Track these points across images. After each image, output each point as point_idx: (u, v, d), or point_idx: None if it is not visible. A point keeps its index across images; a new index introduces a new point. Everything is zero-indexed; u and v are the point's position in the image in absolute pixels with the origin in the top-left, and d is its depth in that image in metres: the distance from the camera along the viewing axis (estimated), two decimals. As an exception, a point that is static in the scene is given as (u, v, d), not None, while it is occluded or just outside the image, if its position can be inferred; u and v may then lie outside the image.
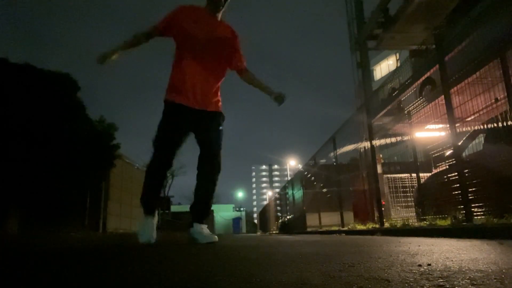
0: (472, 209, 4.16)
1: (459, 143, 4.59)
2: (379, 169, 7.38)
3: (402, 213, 6.85)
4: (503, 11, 4.08)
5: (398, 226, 5.82)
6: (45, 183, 9.07)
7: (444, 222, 4.56)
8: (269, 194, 57.90)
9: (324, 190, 11.24)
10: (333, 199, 10.08)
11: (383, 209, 6.97)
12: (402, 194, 6.99)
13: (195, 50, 2.97)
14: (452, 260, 1.47)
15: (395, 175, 7.24)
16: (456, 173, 4.47)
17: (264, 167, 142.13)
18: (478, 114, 4.39)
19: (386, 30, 10.36)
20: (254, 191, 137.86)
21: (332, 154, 9.90)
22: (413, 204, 6.47)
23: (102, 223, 13.42)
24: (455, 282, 0.98)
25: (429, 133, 5.95)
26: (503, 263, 1.36)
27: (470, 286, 0.94)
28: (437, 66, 4.96)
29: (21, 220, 9.11)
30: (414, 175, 6.45)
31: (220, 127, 3.08)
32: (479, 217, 4.11)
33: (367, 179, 7.95)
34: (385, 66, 29.85)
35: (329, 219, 10.44)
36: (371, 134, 7.45)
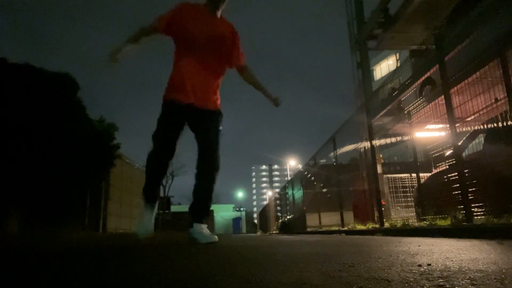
0: (472, 209, 4.16)
1: (459, 143, 4.58)
2: (379, 169, 7.38)
3: (402, 213, 6.85)
4: (503, 11, 4.08)
5: (398, 226, 5.82)
6: (45, 183, 9.07)
7: (444, 222, 4.56)
8: (269, 194, 57.91)
9: (324, 190, 11.24)
10: (333, 199, 10.09)
11: (383, 209, 6.97)
12: (402, 194, 6.99)
13: (194, 48, 2.97)
14: (452, 260, 1.47)
15: (395, 175, 7.24)
16: (456, 173, 4.47)
17: (264, 167, 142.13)
18: (478, 114, 4.39)
19: (386, 30, 10.36)
20: (254, 191, 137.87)
21: (332, 154, 9.90)
22: (413, 204, 6.47)
23: (102, 223, 13.42)
24: (455, 282, 0.98)
25: (429, 133, 5.95)
26: (503, 263, 1.36)
27: (470, 286, 0.94)
28: (437, 66, 4.96)
29: (21, 220, 9.11)
30: (414, 175, 6.45)
31: (220, 126, 3.09)
32: (479, 217, 4.11)
33: (367, 179, 7.95)
34: (385, 66, 29.84)
35: (329, 219, 10.44)
36: (371, 134, 7.45)
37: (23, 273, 1.33)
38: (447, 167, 5.01)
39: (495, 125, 4.12)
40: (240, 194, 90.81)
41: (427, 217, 5.33)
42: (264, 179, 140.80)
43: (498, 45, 3.98)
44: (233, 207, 63.83)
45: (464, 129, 4.69)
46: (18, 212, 9.13)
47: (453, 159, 4.65)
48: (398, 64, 12.93)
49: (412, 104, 6.13)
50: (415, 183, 6.37)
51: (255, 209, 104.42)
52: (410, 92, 6.29)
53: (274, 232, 21.77)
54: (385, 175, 7.40)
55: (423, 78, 5.81)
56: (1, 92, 8.34)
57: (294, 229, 14.56)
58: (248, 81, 3.28)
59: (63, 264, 1.68)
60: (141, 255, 2.11)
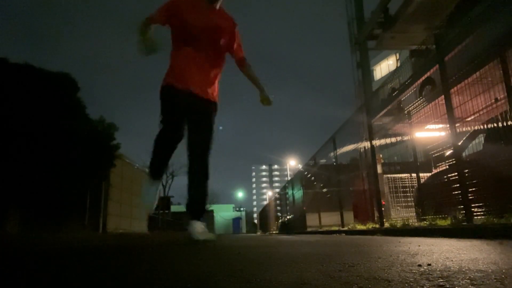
0: (472, 209, 4.16)
1: (459, 143, 4.59)
2: (379, 169, 7.38)
3: (402, 213, 6.85)
4: (503, 11, 4.08)
5: (398, 226, 5.82)
6: (45, 183, 9.06)
7: (444, 222, 4.56)
8: (269, 194, 57.90)
9: (324, 190, 11.24)
10: (333, 199, 10.09)
11: (383, 209, 6.98)
12: (402, 194, 6.99)
13: (192, 38, 2.97)
14: (452, 260, 1.47)
15: (395, 175, 7.24)
16: (456, 173, 4.47)
17: (264, 167, 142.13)
18: (478, 114, 4.39)
19: (386, 30, 10.36)
20: (254, 191, 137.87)
21: (332, 154, 9.90)
22: (413, 204, 6.47)
23: (102, 223, 13.41)
24: (455, 282, 0.98)
25: (429, 133, 5.95)
26: (503, 263, 1.36)
27: (470, 286, 0.94)
28: (437, 66, 4.96)
29: (21, 220, 9.11)
30: (414, 175, 6.46)
31: (214, 120, 3.08)
32: (479, 217, 4.11)
33: (367, 179, 7.95)
34: (385, 66, 29.84)
35: (329, 219, 10.44)
36: (371, 134, 7.46)
37: (23, 273, 1.33)
38: (447, 167, 5.01)
39: (495, 125, 4.12)
40: (240, 194, 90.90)
41: (427, 217, 5.33)
42: (264, 179, 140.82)
43: (498, 45, 3.98)
44: (233, 207, 63.86)
45: (464, 129, 4.69)
46: (18, 212, 9.12)
47: (453, 159, 4.65)
48: (398, 64, 12.93)
49: (412, 104, 6.13)
50: (415, 183, 6.37)
51: (255, 209, 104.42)
52: (410, 92, 6.29)
53: (274, 232, 21.78)
54: (385, 175, 7.40)
55: (423, 78, 5.81)
56: (1, 92, 8.34)
57: (294, 229, 14.56)
58: (246, 75, 3.30)
59: (63, 264, 1.68)
60: (141, 255, 2.12)
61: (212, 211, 44.27)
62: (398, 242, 2.96)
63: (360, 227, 7.63)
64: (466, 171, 4.38)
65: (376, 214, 7.12)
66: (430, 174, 5.92)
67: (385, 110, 7.15)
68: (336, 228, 8.96)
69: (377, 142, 7.43)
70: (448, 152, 4.91)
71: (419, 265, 1.33)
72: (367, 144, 7.66)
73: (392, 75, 7.81)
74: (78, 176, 10.20)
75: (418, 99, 5.97)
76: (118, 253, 2.29)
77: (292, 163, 48.53)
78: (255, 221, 54.66)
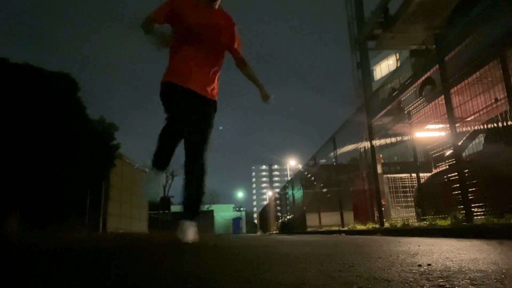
0: (472, 209, 4.16)
1: (459, 143, 4.59)
2: (379, 169, 7.38)
3: (402, 213, 6.85)
4: (503, 11, 4.08)
5: (398, 226, 5.82)
6: (45, 183, 9.06)
7: (444, 222, 4.56)
8: (269, 194, 57.92)
9: (324, 190, 11.24)
10: (333, 199, 10.09)
11: (383, 209, 6.98)
12: (402, 194, 6.99)
13: (191, 37, 2.98)
14: (452, 260, 1.47)
15: (395, 175, 7.24)
16: (456, 173, 4.47)
17: (264, 167, 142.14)
18: (478, 114, 4.39)
19: (386, 30, 10.36)
20: (254, 191, 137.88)
21: (332, 154, 9.90)
22: (413, 204, 6.47)
23: (102, 223, 13.41)
24: (455, 282, 0.98)
25: (429, 133, 5.95)
26: (503, 263, 1.36)
27: (470, 286, 0.94)
28: (437, 66, 4.96)
29: (21, 220, 9.10)
30: (414, 175, 6.46)
31: (212, 119, 3.08)
32: (479, 217, 4.11)
33: (367, 179, 7.95)
34: (385, 66, 29.84)
35: (329, 219, 10.44)
36: (371, 134, 7.46)
37: (23, 273, 1.33)
38: (447, 167, 5.01)
39: (495, 125, 4.12)
40: (240, 194, 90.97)
41: (427, 217, 5.33)
42: (264, 179, 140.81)
43: (498, 45, 3.98)
44: (233, 207, 63.89)
45: (464, 129, 4.69)
46: (18, 212, 9.12)
47: (453, 159, 4.65)
48: (398, 64, 12.94)
49: (412, 104, 6.13)
50: (415, 183, 6.37)
51: (255, 209, 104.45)
52: (410, 92, 6.29)
53: (274, 232, 21.78)
54: (385, 175, 7.40)
55: (423, 78, 5.81)
56: (1, 92, 8.34)
57: (294, 229, 14.56)
58: (245, 74, 3.30)
59: (63, 264, 1.68)
60: (141, 255, 2.12)
61: (212, 211, 44.28)
62: (398, 242, 2.96)
63: (360, 227, 7.63)
64: (466, 171, 4.38)
65: (376, 214, 7.12)
66: (430, 174, 5.92)
67: (385, 110, 7.15)
68: (336, 228, 8.96)
69: (377, 142, 7.43)
70: (448, 152, 4.91)
71: (419, 265, 1.33)
72: (367, 144, 7.66)
73: (392, 75, 7.82)
74: (78, 176, 10.20)
75: (418, 99, 5.97)
76: (118, 253, 2.29)
77: (292, 163, 48.55)
78: (255, 221, 54.67)
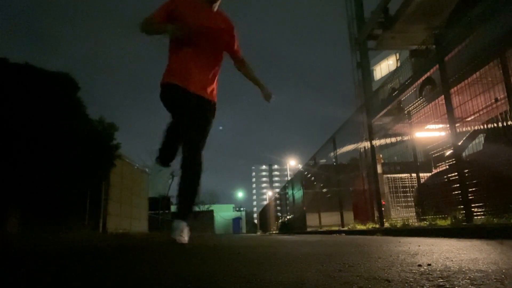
0: (472, 209, 4.16)
1: (459, 143, 4.58)
2: (379, 169, 7.38)
3: (402, 213, 6.85)
4: (503, 11, 4.08)
5: (398, 226, 5.82)
6: (45, 183, 9.06)
7: (444, 222, 4.56)
8: (269, 194, 57.90)
9: (324, 190, 11.24)
10: (333, 199, 10.09)
11: (383, 209, 6.98)
12: (402, 194, 6.99)
13: (191, 39, 2.98)
14: (452, 260, 1.47)
15: (395, 175, 7.24)
16: (456, 173, 4.47)
17: (264, 167, 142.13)
18: (478, 114, 4.39)
19: (386, 30, 10.36)
20: (254, 191, 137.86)
21: (332, 154, 9.90)
22: (413, 204, 6.47)
23: (102, 223, 13.41)
24: (455, 282, 0.98)
25: (429, 133, 5.95)
26: (503, 263, 1.36)
27: (470, 286, 0.94)
28: (437, 66, 4.96)
29: (21, 220, 9.10)
30: (414, 175, 6.46)
31: (212, 119, 3.08)
32: (479, 217, 4.11)
33: (367, 179, 7.95)
34: (385, 66, 29.84)
35: (329, 219, 10.44)
36: (371, 134, 7.45)
37: (23, 273, 1.33)
38: (447, 167, 5.01)
39: (495, 125, 4.12)
40: (240, 194, 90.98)
41: (427, 217, 5.33)
42: (264, 179, 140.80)
43: (498, 45, 3.98)
44: (233, 207, 63.86)
45: (464, 129, 4.69)
46: (18, 212, 9.12)
47: (453, 159, 4.65)
48: (398, 64, 12.93)
49: (412, 104, 6.13)
50: (415, 183, 6.37)
51: (255, 209, 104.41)
52: (410, 92, 6.29)
53: (274, 232, 21.77)
54: (385, 175, 7.40)
55: (423, 78, 5.81)
56: (1, 92, 8.34)
57: (294, 229, 14.56)
58: (246, 74, 3.31)
59: (63, 264, 1.68)
60: (141, 255, 2.12)
61: (212, 211, 44.24)
62: (398, 242, 2.96)
63: (360, 227, 7.62)
64: (466, 171, 4.37)
65: (376, 214, 7.12)
66: (430, 174, 5.92)
67: (385, 110, 7.15)
68: (336, 228, 8.96)
69: (377, 142, 7.43)
70: (448, 152, 4.91)
71: (419, 265, 1.33)
72: (367, 144, 7.66)
73: (392, 75, 7.82)
74: (78, 176, 10.20)
75: (418, 99, 5.97)
76: (118, 253, 2.29)
77: (292, 163, 48.56)
78: (255, 221, 54.66)
